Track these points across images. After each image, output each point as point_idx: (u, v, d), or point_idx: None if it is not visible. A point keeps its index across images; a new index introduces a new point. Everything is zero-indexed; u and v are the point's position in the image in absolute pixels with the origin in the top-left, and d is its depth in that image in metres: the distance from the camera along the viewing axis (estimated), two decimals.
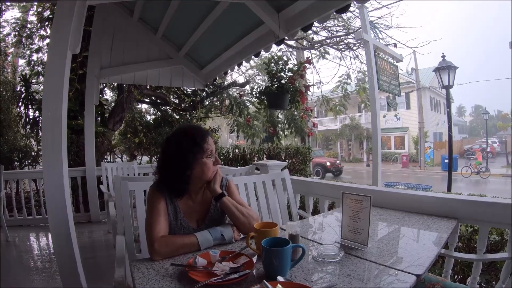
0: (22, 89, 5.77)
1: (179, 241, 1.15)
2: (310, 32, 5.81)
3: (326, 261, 1.05)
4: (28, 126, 5.76)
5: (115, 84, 6.40)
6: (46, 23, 5.63)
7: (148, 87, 6.52)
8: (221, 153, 6.09)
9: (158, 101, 7.20)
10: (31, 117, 5.72)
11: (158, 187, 1.25)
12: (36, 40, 6.28)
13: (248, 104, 7.64)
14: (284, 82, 2.75)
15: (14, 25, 6.45)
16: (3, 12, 6.20)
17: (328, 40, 6.59)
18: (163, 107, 7.37)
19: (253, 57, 3.70)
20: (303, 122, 7.02)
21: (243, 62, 3.79)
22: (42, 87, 5.57)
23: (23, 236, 3.82)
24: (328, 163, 17.38)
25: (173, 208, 1.26)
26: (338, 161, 18.65)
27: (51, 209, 1.81)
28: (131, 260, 1.24)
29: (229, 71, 4.36)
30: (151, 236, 1.14)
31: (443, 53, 6.12)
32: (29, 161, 5.71)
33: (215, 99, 7.88)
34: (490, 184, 13.31)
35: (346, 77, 7.43)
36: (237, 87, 8.04)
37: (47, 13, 5.55)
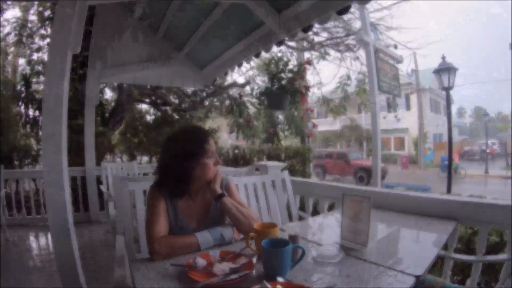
0: (23, 89, 5.76)
1: (179, 241, 1.15)
2: (310, 33, 5.82)
3: (326, 262, 1.05)
4: (28, 126, 5.76)
5: (115, 84, 6.39)
6: (47, 22, 5.63)
7: (148, 87, 6.52)
8: (221, 153, 6.09)
9: (158, 101, 7.20)
10: (31, 116, 5.72)
11: (158, 187, 1.25)
12: (36, 40, 6.27)
13: (248, 105, 7.64)
14: (284, 83, 2.76)
15: (15, 24, 6.44)
16: (4, 12, 6.20)
17: (328, 41, 6.59)
18: (163, 107, 7.37)
19: (253, 57, 3.70)
20: (303, 123, 7.01)
21: (243, 62, 3.80)
22: (42, 87, 5.57)
23: (23, 236, 3.82)
24: None
25: (173, 208, 1.26)
26: (382, 164, 15.94)
27: (51, 208, 1.81)
28: (131, 260, 1.24)
29: (229, 71, 4.36)
30: (151, 236, 1.14)
31: (443, 55, 6.14)
32: (29, 160, 5.70)
33: (215, 100, 7.88)
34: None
35: (346, 78, 7.42)
36: (237, 88, 8.03)
37: (47, 13, 5.55)
